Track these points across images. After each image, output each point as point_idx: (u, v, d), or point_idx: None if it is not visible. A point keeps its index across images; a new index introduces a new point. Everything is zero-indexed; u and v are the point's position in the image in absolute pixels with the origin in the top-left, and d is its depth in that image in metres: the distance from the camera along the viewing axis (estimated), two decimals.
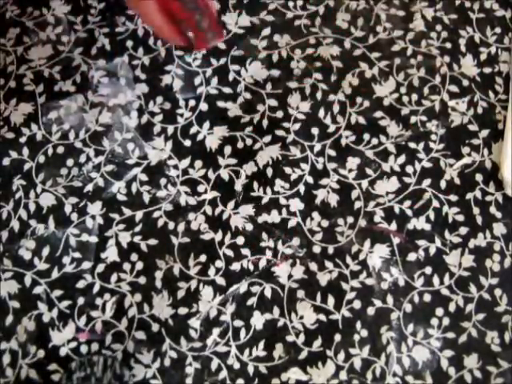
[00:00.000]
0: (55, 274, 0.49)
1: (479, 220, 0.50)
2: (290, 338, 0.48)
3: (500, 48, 0.54)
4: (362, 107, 0.53)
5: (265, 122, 0.53)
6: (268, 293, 0.49)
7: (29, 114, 0.53)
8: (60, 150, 0.52)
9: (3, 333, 0.48)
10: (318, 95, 0.54)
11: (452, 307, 0.48)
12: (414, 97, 0.53)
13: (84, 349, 0.48)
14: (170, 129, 0.53)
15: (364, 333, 0.48)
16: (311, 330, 0.48)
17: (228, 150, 0.52)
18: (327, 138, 0.52)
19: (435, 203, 0.51)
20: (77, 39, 0.55)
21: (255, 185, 0.51)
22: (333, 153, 0.52)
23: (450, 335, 0.48)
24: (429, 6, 0.56)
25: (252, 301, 0.49)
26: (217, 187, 0.51)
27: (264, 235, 0.50)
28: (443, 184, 0.51)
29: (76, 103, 0.53)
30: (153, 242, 0.50)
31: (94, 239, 0.50)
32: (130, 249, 0.50)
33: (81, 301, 0.49)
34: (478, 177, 0.51)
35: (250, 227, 0.50)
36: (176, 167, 0.52)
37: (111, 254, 0.50)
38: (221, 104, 0.54)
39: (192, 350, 0.48)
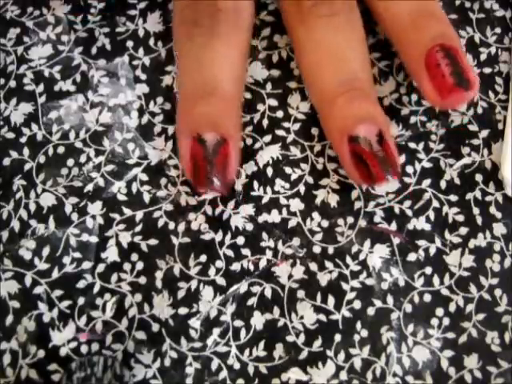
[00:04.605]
0: (55, 274, 0.49)
1: (479, 220, 0.50)
2: (290, 338, 0.48)
3: (500, 48, 0.54)
4: None
5: (265, 122, 0.53)
6: (268, 293, 0.49)
7: (29, 113, 0.53)
8: (60, 150, 0.52)
9: (3, 333, 0.48)
10: None
11: (452, 307, 0.48)
12: (414, 97, 0.53)
13: (84, 349, 0.48)
14: (171, 129, 0.53)
15: (364, 333, 0.48)
16: (311, 330, 0.48)
17: None
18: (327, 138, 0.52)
19: (435, 203, 0.51)
20: (77, 39, 0.55)
21: (255, 184, 0.51)
22: (333, 153, 0.52)
23: (450, 335, 0.48)
24: None
25: (252, 301, 0.49)
26: None
27: (264, 235, 0.50)
28: (443, 184, 0.51)
29: (76, 103, 0.53)
30: (153, 242, 0.50)
31: (94, 239, 0.50)
32: (130, 249, 0.50)
33: (81, 301, 0.49)
34: (478, 177, 0.51)
35: (250, 227, 0.50)
36: (176, 167, 0.52)
37: (111, 253, 0.50)
38: None
39: (192, 350, 0.48)
